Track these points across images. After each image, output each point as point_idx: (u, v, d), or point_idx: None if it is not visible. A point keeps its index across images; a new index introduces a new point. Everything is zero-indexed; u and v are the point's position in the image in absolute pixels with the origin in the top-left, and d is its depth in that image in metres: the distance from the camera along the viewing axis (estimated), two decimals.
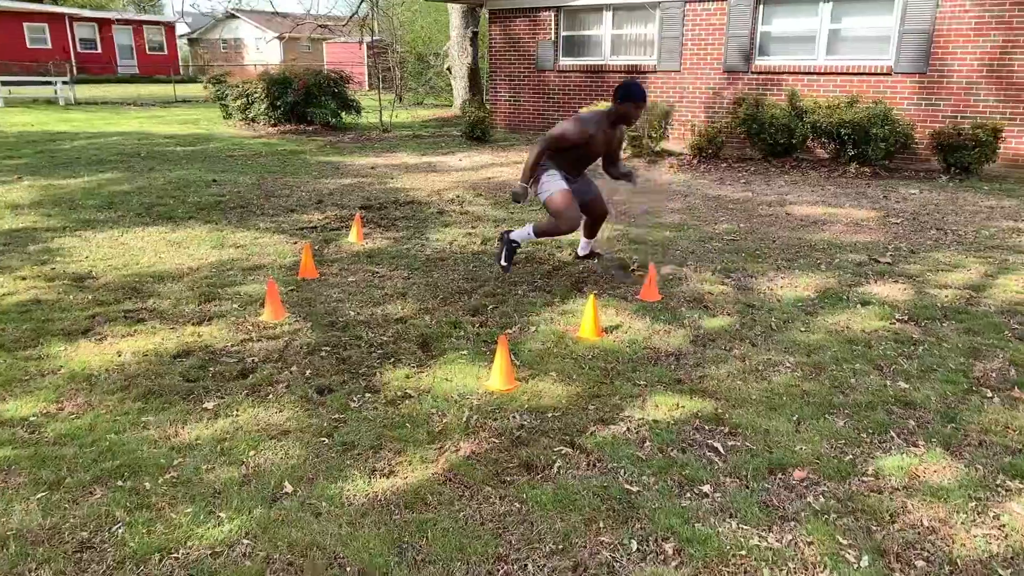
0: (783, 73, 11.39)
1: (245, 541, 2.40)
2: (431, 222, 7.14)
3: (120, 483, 2.72)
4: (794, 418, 3.25)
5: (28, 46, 34.41)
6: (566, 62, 13.71)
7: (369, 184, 9.22)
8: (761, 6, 11.48)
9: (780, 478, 2.79)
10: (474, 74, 18.98)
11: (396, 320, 4.46)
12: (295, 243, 6.28)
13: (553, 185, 5.02)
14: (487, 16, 15.17)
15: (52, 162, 10.56)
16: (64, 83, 22.91)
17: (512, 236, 5.32)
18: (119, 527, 2.46)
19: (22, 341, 4.04)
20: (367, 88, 26.38)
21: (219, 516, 2.53)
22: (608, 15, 13.10)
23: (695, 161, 10.97)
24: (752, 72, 11.67)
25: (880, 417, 3.26)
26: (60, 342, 4.04)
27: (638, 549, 2.38)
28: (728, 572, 2.27)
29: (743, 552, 2.36)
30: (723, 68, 11.91)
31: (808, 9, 11.19)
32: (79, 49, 37.25)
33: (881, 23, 10.65)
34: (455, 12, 18.73)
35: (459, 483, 2.75)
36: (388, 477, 2.79)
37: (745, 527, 2.49)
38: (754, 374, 3.73)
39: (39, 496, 2.63)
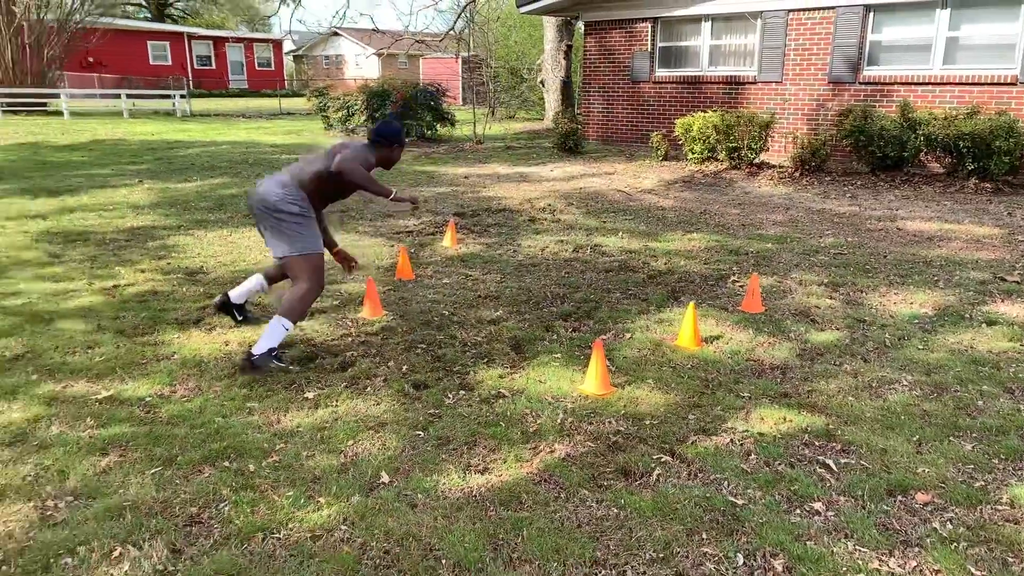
0: (894, 84, 10.83)
1: (343, 527, 2.42)
2: (523, 229, 7.14)
3: (227, 464, 2.80)
4: (914, 439, 3.02)
5: (151, 63, 36.98)
6: (662, 73, 13.53)
7: (462, 192, 9.34)
8: (872, 14, 10.98)
9: (901, 500, 2.58)
10: (566, 87, 19.02)
11: (489, 322, 4.46)
12: (392, 246, 6.40)
13: (317, 238, 3.87)
14: (582, 29, 15.14)
15: (169, 168, 11.24)
16: (181, 96, 24.44)
17: (260, 351, 3.65)
18: (225, 505, 2.54)
19: (140, 328, 4.27)
20: (461, 102, 26.89)
21: (318, 501, 2.57)
22: (707, 25, 12.85)
23: (796, 174, 10.56)
24: (860, 83, 11.16)
25: (1014, 443, 2.98)
26: (174, 330, 4.24)
27: (744, 563, 2.25)
28: None
29: (861, 575, 2.19)
30: (828, 79, 11.45)
31: (924, 16, 10.62)
32: (195, 65, 39.71)
33: (1005, 31, 9.97)
34: (550, 26, 18.84)
35: (554, 484, 2.69)
36: (483, 473, 2.76)
37: (862, 549, 2.31)
38: (867, 391, 3.50)
39: (153, 471, 2.75)
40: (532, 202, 8.61)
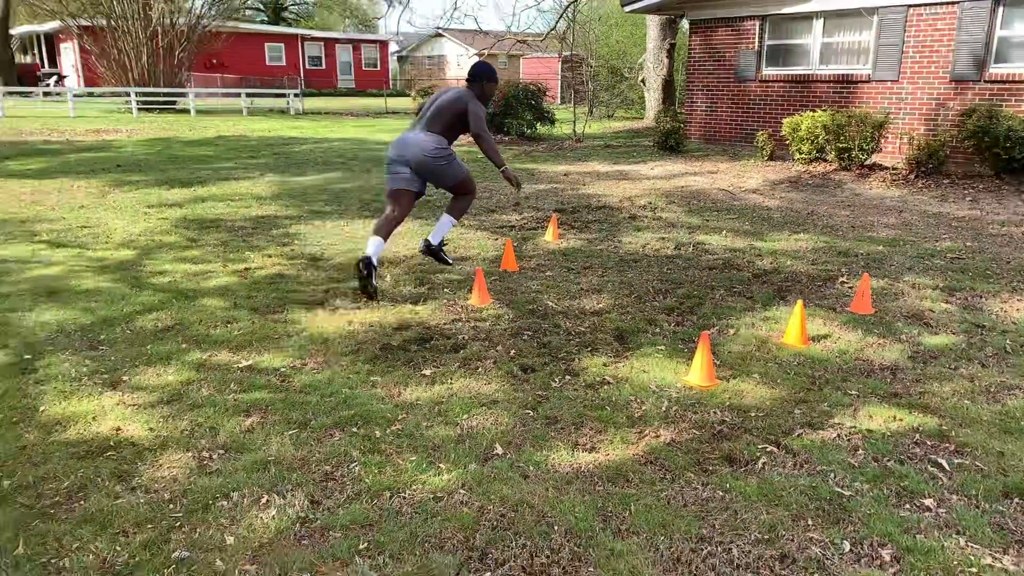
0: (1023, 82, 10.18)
1: (462, 491, 2.62)
2: (623, 226, 7.22)
3: (355, 430, 3.06)
4: None
5: (267, 63, 39.10)
6: (769, 72, 13.21)
7: (562, 190, 9.49)
8: (1001, 8, 10.36)
9: (1018, 503, 2.54)
10: (668, 85, 18.83)
11: (592, 313, 4.59)
12: (496, 239, 6.63)
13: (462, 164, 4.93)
14: (686, 27, 14.95)
15: (286, 162, 11.95)
16: (295, 95, 25.76)
17: (436, 241, 5.02)
18: (355, 465, 2.79)
19: (271, 306, 4.66)
20: (559, 101, 27.04)
21: (439, 467, 2.78)
22: (818, 23, 12.46)
23: (911, 176, 10.11)
24: (985, 81, 10.55)
25: None
26: (301, 310, 4.60)
27: (851, 550, 2.29)
28: None
29: (973, 569, 2.20)
30: (950, 77, 10.88)
31: None
32: (307, 66, 41.66)
33: None
34: (653, 24, 18.71)
35: (660, 466, 2.80)
36: (590, 452, 2.90)
37: (975, 546, 2.31)
38: (984, 395, 3.41)
39: (290, 433, 3.04)
40: (632, 199, 8.66)
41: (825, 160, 11.08)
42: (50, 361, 3.73)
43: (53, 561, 2.24)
